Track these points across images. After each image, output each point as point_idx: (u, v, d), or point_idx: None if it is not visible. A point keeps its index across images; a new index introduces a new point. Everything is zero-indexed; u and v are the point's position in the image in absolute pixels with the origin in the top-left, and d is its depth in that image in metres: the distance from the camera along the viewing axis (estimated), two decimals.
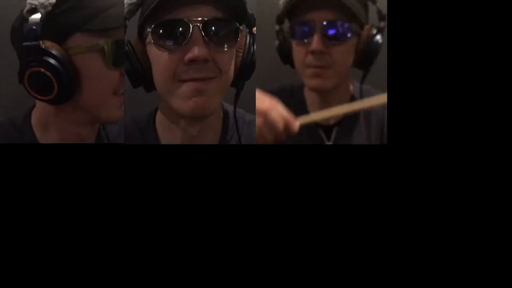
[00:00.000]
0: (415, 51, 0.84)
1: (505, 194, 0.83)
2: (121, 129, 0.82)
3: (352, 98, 0.93)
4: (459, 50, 0.84)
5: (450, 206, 0.83)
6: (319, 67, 0.87)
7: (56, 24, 0.72)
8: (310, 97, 0.93)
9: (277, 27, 0.91)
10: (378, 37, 0.87)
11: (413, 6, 0.84)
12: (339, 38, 0.86)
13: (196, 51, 0.71)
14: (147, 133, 0.81)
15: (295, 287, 0.84)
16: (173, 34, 0.72)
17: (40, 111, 0.79)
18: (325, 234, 0.84)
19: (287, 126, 0.75)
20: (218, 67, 0.73)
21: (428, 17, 0.84)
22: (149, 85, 0.77)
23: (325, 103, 0.89)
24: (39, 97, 0.74)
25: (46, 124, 0.78)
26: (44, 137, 0.78)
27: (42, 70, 0.72)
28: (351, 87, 0.94)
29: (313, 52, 0.86)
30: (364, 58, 0.88)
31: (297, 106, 0.86)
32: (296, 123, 0.76)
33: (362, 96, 0.90)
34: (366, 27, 0.88)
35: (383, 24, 0.87)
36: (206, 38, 0.71)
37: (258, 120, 0.74)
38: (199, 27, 0.71)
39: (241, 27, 0.76)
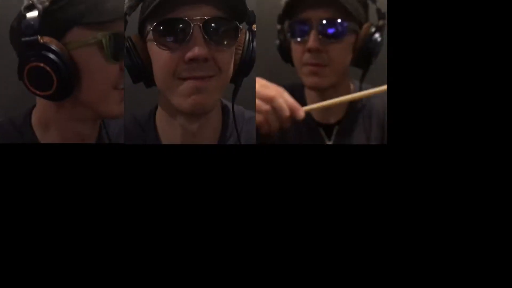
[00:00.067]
0: (415, 50, 0.84)
1: (505, 194, 0.83)
2: (122, 128, 0.83)
3: None
4: (460, 49, 0.84)
5: (450, 206, 0.83)
6: (316, 65, 0.87)
7: (54, 20, 0.73)
8: (310, 96, 0.93)
9: (278, 26, 0.92)
10: (377, 35, 0.87)
11: (413, 4, 0.84)
12: (335, 36, 0.86)
13: (196, 50, 0.72)
14: (147, 130, 0.81)
15: (295, 287, 0.84)
16: (174, 33, 0.72)
17: (40, 110, 0.79)
18: (325, 234, 0.84)
19: (292, 113, 0.75)
20: (218, 65, 0.74)
21: (428, 16, 0.84)
22: (149, 81, 0.77)
23: None
24: (38, 92, 0.74)
25: (47, 124, 0.78)
26: (45, 136, 0.78)
27: (42, 65, 0.72)
28: (352, 86, 0.95)
29: (309, 50, 0.87)
30: (363, 56, 0.88)
31: None
32: (302, 110, 0.76)
33: None
34: (365, 25, 0.88)
35: (383, 22, 0.87)
36: (206, 37, 0.72)
37: (265, 107, 0.74)
38: (200, 26, 0.72)
39: (241, 26, 0.76)
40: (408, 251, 0.84)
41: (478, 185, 0.83)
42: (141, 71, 0.76)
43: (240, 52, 0.77)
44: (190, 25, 0.72)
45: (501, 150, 0.83)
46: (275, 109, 0.74)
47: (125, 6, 0.75)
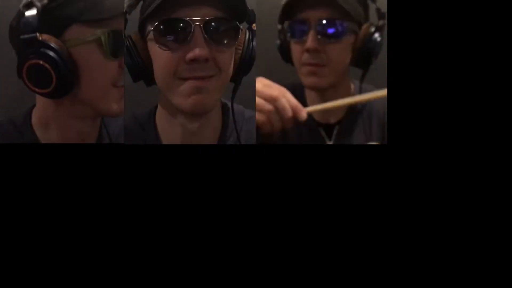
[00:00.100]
0: (415, 50, 0.84)
1: (506, 193, 0.83)
2: (123, 127, 0.82)
3: None
4: (460, 49, 0.84)
5: (450, 206, 0.83)
6: (315, 65, 0.88)
7: (53, 17, 0.73)
8: (310, 96, 0.93)
9: (279, 26, 0.92)
10: (377, 35, 0.87)
11: (413, 4, 0.84)
12: (334, 36, 0.86)
13: (197, 51, 0.72)
14: (147, 129, 0.82)
15: (295, 287, 0.84)
16: (174, 33, 0.73)
17: (40, 110, 0.79)
18: (325, 234, 0.84)
19: (295, 114, 0.75)
20: (218, 65, 0.74)
21: (429, 16, 0.84)
22: (150, 80, 0.77)
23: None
24: (37, 90, 0.74)
25: (47, 123, 0.78)
26: (45, 136, 0.78)
27: (41, 62, 0.72)
28: (352, 86, 0.94)
29: (308, 50, 0.87)
30: (363, 56, 0.88)
31: None
32: (304, 111, 0.76)
33: None
34: (364, 25, 0.88)
35: (382, 22, 0.87)
36: (207, 38, 0.72)
37: (268, 107, 0.74)
38: (201, 26, 0.72)
39: (241, 26, 0.76)
40: (408, 251, 0.84)
41: (478, 185, 0.83)
42: (141, 70, 0.76)
43: (240, 51, 0.77)
44: (191, 25, 0.72)
45: (501, 150, 0.83)
46: (278, 109, 0.74)
47: (125, 5, 0.75)
